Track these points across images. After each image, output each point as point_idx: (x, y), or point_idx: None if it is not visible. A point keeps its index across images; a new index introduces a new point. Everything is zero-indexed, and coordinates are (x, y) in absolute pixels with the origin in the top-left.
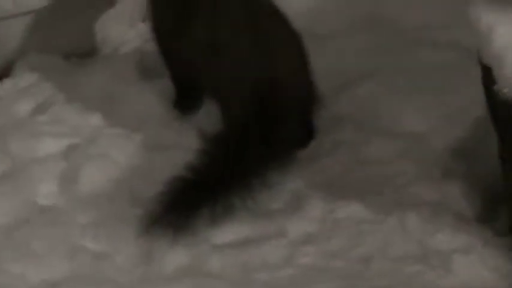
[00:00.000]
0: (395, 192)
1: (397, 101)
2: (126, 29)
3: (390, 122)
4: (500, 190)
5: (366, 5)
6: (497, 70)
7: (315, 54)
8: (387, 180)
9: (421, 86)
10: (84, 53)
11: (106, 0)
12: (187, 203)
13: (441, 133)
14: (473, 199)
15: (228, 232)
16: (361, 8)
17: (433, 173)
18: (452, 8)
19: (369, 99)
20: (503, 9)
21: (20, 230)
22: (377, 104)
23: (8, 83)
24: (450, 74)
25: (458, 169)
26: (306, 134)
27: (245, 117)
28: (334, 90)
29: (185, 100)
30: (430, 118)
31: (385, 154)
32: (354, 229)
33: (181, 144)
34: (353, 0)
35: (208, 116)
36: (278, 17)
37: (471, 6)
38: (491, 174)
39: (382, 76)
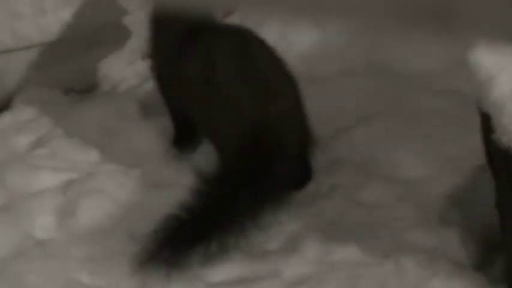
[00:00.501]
0: (391, 237)
1: (395, 146)
2: (126, 66)
3: (388, 166)
4: (497, 239)
5: (366, 50)
6: (497, 118)
7: (315, 96)
8: (384, 224)
9: (419, 132)
10: (84, 88)
11: (109, 42)
12: (182, 240)
13: (439, 180)
14: (470, 246)
15: (223, 271)
16: (361, 52)
17: (430, 219)
18: (452, 56)
19: (367, 143)
20: (503, 57)
21: (16, 262)
22: (375, 148)
23: (7, 116)
24: (449, 121)
25: (455, 216)
26: (303, 175)
27: (240, 158)
28: (333, 133)
29: (184, 139)
30: (427, 164)
31: (382, 198)
32: (350, 272)
33: (179, 183)
34: (353, 45)
35: (206, 155)
36: (274, 59)
37: (471, 54)
38: (487, 222)
39: (381, 121)
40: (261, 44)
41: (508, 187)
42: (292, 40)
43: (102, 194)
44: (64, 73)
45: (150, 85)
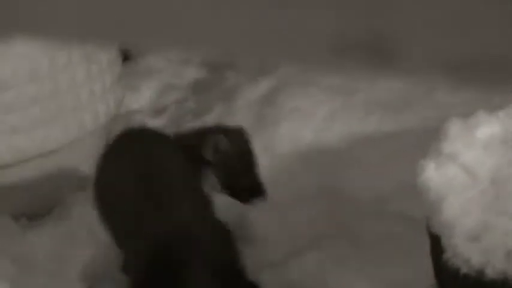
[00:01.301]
0: None
1: (345, 271)
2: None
3: None
4: None
5: (319, 175)
6: (447, 239)
7: (267, 221)
8: None
9: (369, 257)
10: (35, 213)
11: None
12: None
13: None
14: None
15: None
16: (313, 177)
17: None
18: (402, 178)
19: (318, 267)
20: (452, 178)
21: None
22: (325, 273)
23: None
24: (398, 244)
25: None
26: None
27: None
28: (284, 258)
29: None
30: None
31: None
32: None
33: None
34: (305, 170)
35: None
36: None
37: (420, 175)
38: None
39: (332, 245)
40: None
41: None
42: None
43: None
44: (15, 197)
45: None
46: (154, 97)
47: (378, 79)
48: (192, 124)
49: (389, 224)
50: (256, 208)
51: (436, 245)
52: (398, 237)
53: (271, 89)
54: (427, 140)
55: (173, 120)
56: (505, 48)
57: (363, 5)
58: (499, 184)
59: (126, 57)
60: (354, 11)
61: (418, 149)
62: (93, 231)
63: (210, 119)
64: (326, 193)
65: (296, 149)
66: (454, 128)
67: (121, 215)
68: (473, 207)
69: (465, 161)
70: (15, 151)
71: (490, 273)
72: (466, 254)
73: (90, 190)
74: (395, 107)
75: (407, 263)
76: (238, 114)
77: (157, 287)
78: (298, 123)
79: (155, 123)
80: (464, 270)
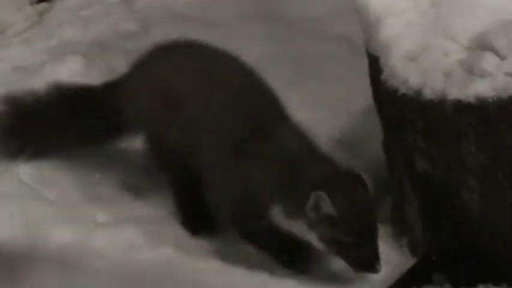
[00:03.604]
0: None
1: (282, 91)
2: (15, 11)
3: None
4: (385, 180)
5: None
6: (384, 60)
7: (206, 39)
8: None
9: (307, 76)
10: None
11: None
12: None
13: (327, 122)
14: None
15: None
16: (253, 2)
17: None
18: (340, 1)
19: None
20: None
21: None
22: None
23: None
24: (336, 65)
25: (343, 159)
26: None
27: None
28: None
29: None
30: (315, 108)
31: None
32: None
33: None
34: None
35: None
36: None
37: None
38: (376, 163)
39: (269, 65)
40: None
41: (395, 128)
42: None
43: None
44: None
45: None
46: None
47: None
48: None
49: (329, 45)
50: None
51: (375, 65)
52: (338, 58)
53: None
54: None
55: None
56: None
57: None
58: (439, 6)
59: None
60: None
61: None
62: None
63: None
64: (264, 14)
65: None
66: None
67: None
68: (412, 29)
69: None
70: None
71: (428, 93)
72: (404, 74)
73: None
74: None
75: (347, 82)
76: None
77: None
78: None
79: None
80: (402, 90)
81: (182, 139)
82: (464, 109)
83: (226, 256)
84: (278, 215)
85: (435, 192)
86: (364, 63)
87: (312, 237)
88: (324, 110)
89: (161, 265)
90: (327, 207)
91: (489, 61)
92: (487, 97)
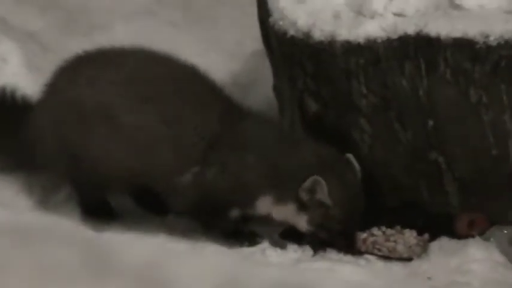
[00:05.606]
0: None
1: (174, 34)
2: None
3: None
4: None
5: None
6: (272, 2)
7: None
8: None
9: (197, 20)
10: None
11: None
12: None
13: (219, 66)
14: None
15: None
16: None
17: None
18: None
19: (149, 33)
20: None
21: None
22: (156, 37)
23: None
24: (226, 8)
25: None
26: None
27: None
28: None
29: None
30: (206, 52)
31: None
32: None
33: None
34: None
35: None
36: None
37: None
38: (268, 106)
39: (160, 9)
40: None
41: (285, 71)
42: None
43: None
44: None
45: None
46: None
47: None
48: None
49: None
50: None
51: (263, 8)
52: (227, 2)
53: None
54: None
55: None
56: None
57: None
58: None
59: None
60: None
61: None
62: None
63: None
64: None
65: None
66: None
67: None
68: None
69: None
70: None
71: (317, 35)
72: (293, 16)
73: None
74: None
75: (234, 26)
76: None
77: None
78: None
79: None
80: (291, 32)
81: (125, 154)
82: (354, 50)
83: None
84: (267, 203)
85: (327, 134)
86: (254, 5)
87: (300, 220)
88: (217, 53)
89: None
90: (323, 194)
91: (378, 1)
92: (376, 37)
